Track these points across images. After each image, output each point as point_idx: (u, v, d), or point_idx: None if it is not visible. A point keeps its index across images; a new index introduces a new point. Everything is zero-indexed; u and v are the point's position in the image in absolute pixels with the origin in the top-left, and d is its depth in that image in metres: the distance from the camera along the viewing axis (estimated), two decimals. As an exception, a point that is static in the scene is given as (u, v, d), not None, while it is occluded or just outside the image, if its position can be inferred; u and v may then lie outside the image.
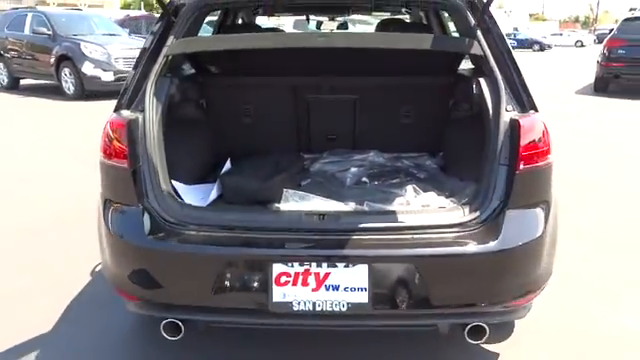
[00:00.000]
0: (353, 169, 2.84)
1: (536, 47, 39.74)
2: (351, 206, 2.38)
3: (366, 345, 2.62)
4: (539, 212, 2.20)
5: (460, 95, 2.82)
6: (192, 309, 2.18)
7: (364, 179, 2.77)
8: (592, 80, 13.17)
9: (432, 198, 2.42)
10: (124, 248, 2.21)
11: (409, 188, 2.53)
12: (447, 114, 3.01)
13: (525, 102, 2.26)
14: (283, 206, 2.38)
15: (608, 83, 12.74)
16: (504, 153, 2.16)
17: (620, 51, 12.27)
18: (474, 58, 2.53)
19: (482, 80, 2.34)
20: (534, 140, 2.18)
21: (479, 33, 2.36)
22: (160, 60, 2.36)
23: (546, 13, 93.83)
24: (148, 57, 2.39)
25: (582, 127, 8.62)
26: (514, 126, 2.16)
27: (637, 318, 2.90)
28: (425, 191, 2.55)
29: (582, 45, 46.58)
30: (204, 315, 2.21)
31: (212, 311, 2.18)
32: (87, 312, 2.97)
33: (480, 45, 2.33)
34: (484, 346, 2.58)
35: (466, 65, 2.95)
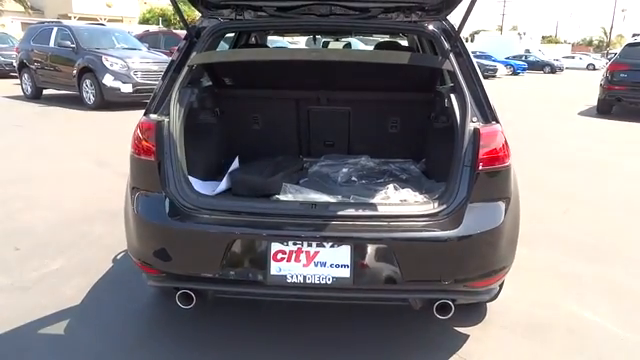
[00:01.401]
0: (344, 170, 3.27)
1: (547, 69, 40.11)
2: (339, 198, 2.81)
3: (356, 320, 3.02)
4: (498, 206, 2.60)
5: (438, 109, 3.25)
6: (204, 280, 2.60)
7: (353, 178, 3.20)
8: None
9: (409, 194, 2.84)
10: (148, 227, 2.63)
11: (390, 186, 2.95)
12: (428, 125, 3.44)
13: (488, 114, 2.68)
14: (282, 197, 2.82)
15: (611, 106, 13.02)
16: (468, 156, 2.58)
17: (622, 75, 12.56)
18: (449, 75, 2.96)
19: (453, 95, 2.77)
20: (493, 147, 2.59)
21: (451, 55, 2.80)
22: (184, 72, 2.83)
23: (559, 35, 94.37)
24: (174, 69, 2.86)
25: (575, 145, 9.00)
26: (476, 134, 2.58)
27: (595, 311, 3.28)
28: (404, 189, 2.97)
29: (594, 68, 46.80)
30: (213, 285, 2.62)
31: (220, 282, 2.59)
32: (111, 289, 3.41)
33: (451, 63, 2.77)
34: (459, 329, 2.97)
35: (445, 85, 3.39)
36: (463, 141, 2.59)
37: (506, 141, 2.65)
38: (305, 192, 2.81)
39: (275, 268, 2.50)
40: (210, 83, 3.43)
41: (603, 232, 4.66)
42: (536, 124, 11.36)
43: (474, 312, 3.14)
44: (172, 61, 2.89)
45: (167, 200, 2.62)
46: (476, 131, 2.58)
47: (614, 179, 6.70)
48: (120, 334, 2.95)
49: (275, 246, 2.49)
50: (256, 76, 3.35)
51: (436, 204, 2.59)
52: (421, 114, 3.48)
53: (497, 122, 2.67)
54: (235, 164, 3.20)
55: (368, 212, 2.58)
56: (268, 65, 3.18)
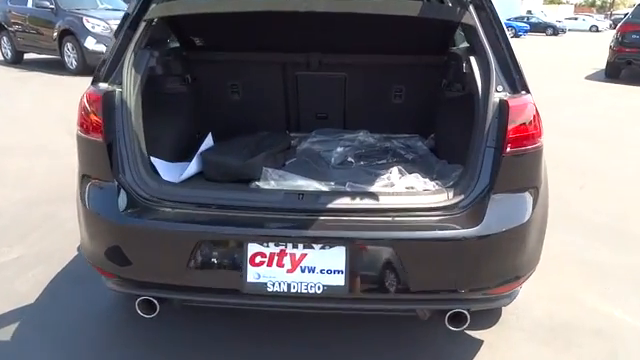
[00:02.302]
0: (339, 149, 2.77)
1: (549, 31, 38.92)
2: (332, 186, 2.32)
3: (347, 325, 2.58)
4: (526, 197, 2.13)
5: (452, 74, 2.72)
6: (166, 287, 2.15)
7: (350, 159, 2.70)
8: (604, 66, 12.85)
9: (417, 180, 2.35)
10: (99, 224, 2.17)
11: (394, 169, 2.46)
12: (439, 94, 2.92)
13: (516, 82, 2.17)
14: (263, 184, 2.32)
15: (620, 69, 12.41)
16: (492, 135, 2.09)
17: (634, 36, 11.89)
18: (467, 32, 2.41)
19: (472, 58, 2.24)
20: (523, 122, 2.09)
21: (472, 7, 2.26)
22: (140, 29, 2.28)
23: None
24: (129, 25, 2.31)
25: (585, 111, 8.46)
26: (503, 107, 2.08)
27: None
28: (411, 173, 2.47)
29: (597, 30, 45.56)
30: (178, 293, 2.18)
31: (186, 290, 2.14)
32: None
33: (472, 16, 2.23)
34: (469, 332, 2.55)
35: (460, 45, 2.84)
36: (486, 116, 2.09)
37: (538, 114, 2.15)
38: (290, 178, 2.32)
39: (253, 274, 2.04)
40: (177, 44, 2.87)
41: (626, 213, 4.19)
42: (542, 89, 10.73)
43: (487, 313, 2.70)
44: (126, 15, 2.34)
45: (121, 190, 2.14)
46: (503, 103, 2.08)
47: (632, 150, 6.20)
48: (77, 342, 2.51)
49: (253, 247, 2.03)
50: (233, 35, 2.80)
51: (451, 194, 2.12)
52: (431, 81, 2.95)
53: (528, 92, 2.16)
54: (208, 142, 2.69)
55: (368, 204, 2.10)
56: (247, 20, 2.62)
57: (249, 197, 2.19)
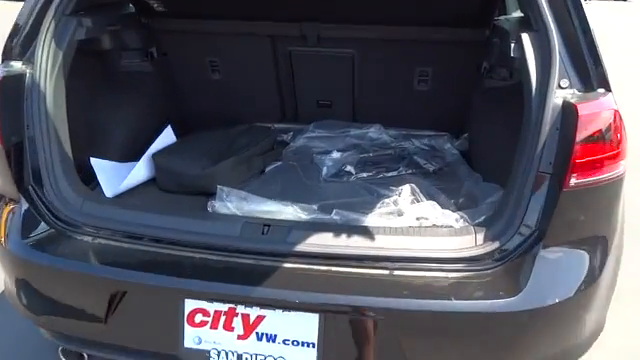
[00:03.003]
0: (335, 154, 2.09)
1: (617, -5, 35.68)
2: (313, 214, 1.67)
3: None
4: (592, 253, 1.44)
5: (496, 56, 1.97)
6: (87, 342, 1.62)
7: (348, 168, 2.02)
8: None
9: (434, 210, 1.66)
10: (2, 255, 1.65)
11: (406, 189, 1.77)
12: (477, 82, 2.17)
13: (591, 75, 1.44)
14: (219, 207, 1.70)
15: None
16: (548, 155, 1.40)
17: None
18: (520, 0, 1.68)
19: (525, 36, 1.51)
20: (599, 138, 1.37)
21: None
22: None
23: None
24: None
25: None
26: (568, 113, 1.37)
27: None
28: (429, 194, 1.79)
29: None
30: (100, 350, 1.64)
31: (108, 348, 1.60)
32: None
33: None
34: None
35: (511, 14, 2.07)
36: (541, 124, 1.39)
37: (622, 126, 1.42)
38: (255, 201, 1.68)
39: (192, 337, 1.50)
40: (132, 9, 2.22)
41: None
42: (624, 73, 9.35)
43: None
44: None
45: (29, 210, 1.60)
46: (568, 108, 1.38)
47: None
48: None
49: (191, 303, 1.44)
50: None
51: (481, 236, 1.46)
52: (467, 63, 2.20)
53: (608, 90, 1.43)
54: (166, 138, 2.08)
55: (357, 248, 1.47)
56: None
57: (194, 227, 1.58)
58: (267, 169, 2.09)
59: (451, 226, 1.59)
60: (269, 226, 1.54)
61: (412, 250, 1.46)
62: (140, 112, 2.23)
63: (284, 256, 1.47)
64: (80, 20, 1.75)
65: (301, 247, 1.47)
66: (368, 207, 1.72)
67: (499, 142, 1.91)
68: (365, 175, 1.98)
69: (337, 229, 1.54)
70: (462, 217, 1.63)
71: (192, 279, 1.45)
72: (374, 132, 2.39)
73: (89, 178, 1.92)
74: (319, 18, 2.16)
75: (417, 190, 1.79)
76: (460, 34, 2.11)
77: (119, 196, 1.90)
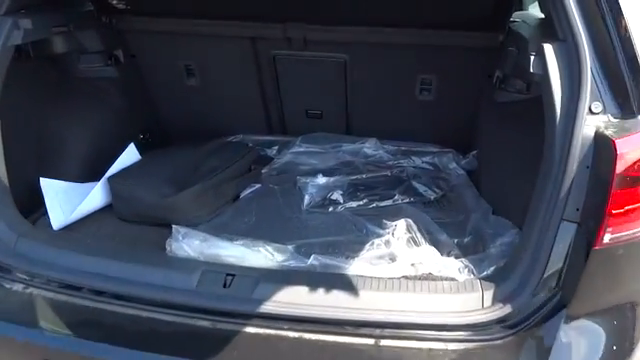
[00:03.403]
0: (321, 179, 1.80)
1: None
2: (288, 258, 1.39)
3: None
4: (628, 324, 1.15)
5: (511, 65, 1.66)
6: None
7: (335, 196, 1.73)
8: None
9: (434, 255, 1.38)
10: None
11: (401, 225, 1.49)
12: (488, 93, 1.87)
13: (632, 98, 1.15)
14: (175, 248, 1.43)
15: None
16: (575, 199, 1.12)
17: None
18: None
19: (549, 48, 1.21)
20: (641, 182, 1.08)
21: None
22: None
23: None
24: None
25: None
26: (603, 148, 1.09)
27: None
28: (429, 231, 1.51)
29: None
30: None
31: None
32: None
33: None
34: None
35: (529, 15, 1.75)
36: (566, 161, 1.10)
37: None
38: (217, 243, 1.40)
39: None
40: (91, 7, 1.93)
41: None
42: None
43: None
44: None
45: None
46: (604, 142, 1.08)
47: None
48: None
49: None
50: None
51: (489, 295, 1.18)
52: (476, 71, 1.90)
53: None
54: (127, 157, 1.81)
55: (337, 309, 1.19)
56: None
57: (144, 276, 1.31)
58: (243, 194, 1.81)
59: (453, 278, 1.31)
60: (233, 276, 1.28)
61: (404, 313, 1.19)
62: (103, 124, 1.96)
63: (247, 318, 1.21)
64: (16, 22, 1.48)
65: (269, 307, 1.20)
66: (354, 249, 1.44)
67: (513, 167, 1.62)
68: (355, 205, 1.69)
69: (315, 281, 1.27)
70: (467, 267, 1.34)
71: (131, 349, 1.19)
72: (369, 147, 2.10)
73: (38, 204, 1.67)
74: (305, 19, 1.86)
75: (414, 227, 1.50)
76: (468, 38, 1.81)
77: (68, 228, 1.64)
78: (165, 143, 2.29)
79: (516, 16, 1.73)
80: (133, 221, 1.66)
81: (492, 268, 1.32)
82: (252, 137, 2.24)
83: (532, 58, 1.28)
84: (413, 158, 2.05)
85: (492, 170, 1.78)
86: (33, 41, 1.64)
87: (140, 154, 2.12)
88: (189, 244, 1.39)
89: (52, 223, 1.63)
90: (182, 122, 2.31)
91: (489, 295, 1.20)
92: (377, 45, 1.91)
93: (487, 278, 1.27)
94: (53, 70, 1.83)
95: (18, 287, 1.34)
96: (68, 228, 1.64)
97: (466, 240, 1.51)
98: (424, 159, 2.05)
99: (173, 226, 1.44)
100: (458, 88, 1.96)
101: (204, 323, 1.22)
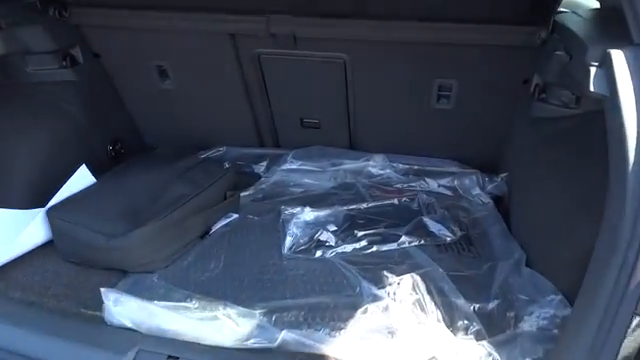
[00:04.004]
0: (308, 213, 1.44)
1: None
2: (252, 333, 1.05)
3: None
4: None
5: (555, 70, 1.27)
6: None
7: (326, 235, 1.37)
8: None
9: (445, 333, 1.02)
10: None
11: (406, 282, 1.14)
12: (524, 104, 1.48)
13: None
14: (109, 318, 1.11)
15: None
16: None
17: None
18: None
19: (618, 56, 0.83)
20: None
21: None
22: None
23: None
24: None
25: None
26: None
27: None
28: (441, 292, 1.15)
29: None
30: None
31: None
32: None
33: None
34: None
35: (580, 6, 1.34)
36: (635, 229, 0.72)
37: None
38: (159, 312, 1.07)
39: None
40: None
41: None
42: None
43: None
44: None
45: None
46: None
47: None
48: None
49: None
50: None
51: None
52: (507, 76, 1.51)
53: None
54: (77, 181, 1.49)
55: None
56: None
57: (65, 357, 1.00)
58: (215, 228, 1.48)
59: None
60: (176, 359, 0.96)
61: None
62: (59, 136, 1.66)
63: None
64: None
65: None
66: (342, 317, 1.10)
67: (557, 202, 1.24)
68: (349, 249, 1.34)
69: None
70: (490, 355, 0.98)
71: None
72: (375, 165, 1.74)
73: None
74: (292, 11, 1.49)
75: (422, 286, 1.15)
76: (499, 34, 1.41)
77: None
78: (142, 153, 1.99)
79: (565, 4, 1.33)
80: (78, 263, 1.36)
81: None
82: (238, 150, 1.90)
83: (593, 71, 0.90)
84: (427, 180, 1.68)
85: (527, 202, 1.40)
86: None
87: (110, 167, 1.84)
88: (125, 312, 1.07)
89: (-20, 265, 1.34)
90: (160, 130, 2.00)
91: None
92: (383, 43, 1.53)
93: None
94: None
95: None
96: (-1, 270, 1.35)
97: (490, 306, 1.15)
98: (441, 182, 1.68)
99: (102, 290, 1.12)
100: (484, 95, 1.58)
101: None
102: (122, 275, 1.33)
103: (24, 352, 1.01)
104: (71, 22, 1.66)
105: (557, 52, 1.23)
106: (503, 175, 1.62)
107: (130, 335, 1.05)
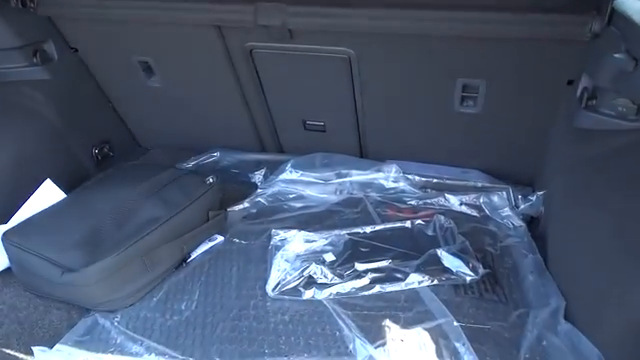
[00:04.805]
0: (298, 245, 1.21)
1: None
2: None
3: None
4: None
5: (611, 72, 1.00)
6: None
7: (317, 272, 1.14)
8: None
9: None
10: None
11: (411, 339, 0.91)
12: (568, 110, 1.20)
13: None
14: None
15: None
16: None
17: None
18: None
19: None
20: None
21: None
22: None
23: None
24: None
25: None
26: None
27: None
28: (456, 355, 0.92)
29: None
30: None
31: None
32: None
33: None
34: None
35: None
36: None
37: None
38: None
39: None
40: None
41: None
42: None
43: None
44: None
45: None
46: None
47: None
48: None
49: None
50: None
51: None
52: (547, 76, 1.22)
53: None
54: (44, 198, 1.31)
55: None
56: None
57: None
58: (194, 255, 1.28)
59: None
60: None
61: None
62: (27, 143, 1.48)
63: None
64: None
65: None
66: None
67: (604, 251, 0.98)
68: (347, 288, 1.11)
69: None
70: None
71: None
72: (387, 177, 1.50)
73: None
74: None
75: (431, 349, 0.92)
76: (539, 25, 1.13)
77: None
78: (134, 154, 1.81)
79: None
80: (39, 294, 1.19)
81: None
82: (233, 155, 1.70)
83: None
84: (448, 196, 1.43)
85: (567, 237, 1.14)
86: None
87: (97, 171, 1.69)
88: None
89: None
90: (152, 131, 1.82)
91: None
92: (395, 36, 1.27)
93: None
94: None
95: None
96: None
97: (519, 378, 0.91)
98: (464, 198, 1.42)
99: (32, 348, 0.93)
100: (518, 98, 1.30)
101: None
102: (84, 311, 1.15)
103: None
104: (40, 14, 1.46)
105: (614, 51, 0.95)
106: (540, 193, 1.35)
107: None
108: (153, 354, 0.97)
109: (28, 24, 1.46)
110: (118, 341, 1.03)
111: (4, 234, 1.22)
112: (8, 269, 1.29)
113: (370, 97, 1.46)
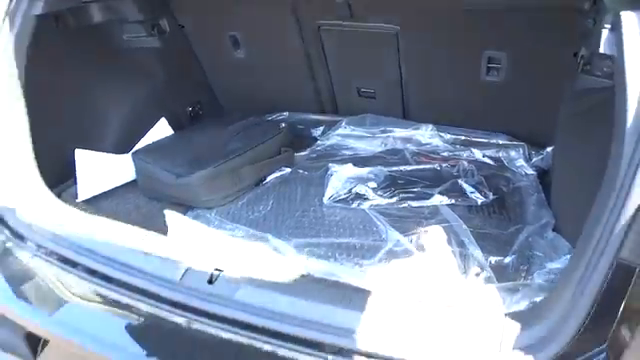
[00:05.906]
0: (349, 170, 1.57)
1: None
2: (282, 257, 1.22)
3: None
4: None
5: (597, 40, 1.28)
6: None
7: (363, 190, 1.50)
8: None
9: (454, 274, 1.12)
10: None
11: (428, 232, 1.24)
12: (572, 77, 1.49)
13: None
14: (176, 231, 1.33)
15: None
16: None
17: None
18: None
19: (628, 17, 0.87)
20: None
21: None
22: None
23: None
24: None
25: None
26: None
27: None
28: (461, 244, 1.24)
29: None
30: None
31: None
32: None
33: None
34: None
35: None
36: (632, 182, 0.79)
37: None
38: (209, 234, 1.27)
39: None
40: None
41: None
42: None
43: None
44: None
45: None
46: None
47: None
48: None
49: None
50: None
51: (511, 337, 0.94)
52: (559, 49, 1.52)
53: None
54: (158, 132, 1.75)
55: (310, 327, 1.02)
56: None
57: (136, 260, 1.23)
58: (269, 178, 1.67)
59: (472, 310, 1.05)
60: (220, 271, 1.15)
61: (395, 348, 0.97)
62: (145, 95, 1.92)
63: (224, 322, 1.07)
64: None
65: (244, 314, 1.06)
66: (364, 256, 1.24)
67: (589, 173, 1.27)
68: (383, 202, 1.46)
69: (302, 290, 1.09)
70: (493, 297, 1.07)
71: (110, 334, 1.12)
72: (422, 133, 1.83)
73: (70, 174, 1.68)
74: None
75: (443, 238, 1.25)
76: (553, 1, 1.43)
77: (92, 200, 1.63)
78: (218, 115, 2.23)
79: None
80: (154, 198, 1.61)
81: (526, 303, 1.04)
82: (299, 115, 2.08)
83: (604, 33, 0.94)
84: (473, 150, 1.75)
85: (563, 174, 1.43)
86: (71, 11, 1.63)
87: (189, 125, 2.10)
88: (180, 230, 1.28)
89: (79, 194, 1.64)
90: (233, 95, 2.21)
91: (511, 338, 0.94)
92: (432, 12, 1.61)
93: (515, 316, 0.99)
94: (94, 41, 1.81)
95: (25, 255, 1.34)
96: (92, 200, 1.64)
97: (507, 261, 1.22)
98: (486, 152, 1.73)
99: (165, 212, 1.34)
100: (536, 67, 1.60)
101: (180, 320, 1.11)
102: (188, 209, 1.56)
103: (104, 254, 1.25)
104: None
105: (597, 16, 1.23)
106: (550, 148, 1.64)
107: (187, 251, 1.26)
108: (241, 230, 1.35)
109: (150, 3, 1.90)
110: (216, 223, 1.42)
111: (134, 153, 1.66)
112: (129, 183, 1.74)
113: (411, 68, 1.80)
